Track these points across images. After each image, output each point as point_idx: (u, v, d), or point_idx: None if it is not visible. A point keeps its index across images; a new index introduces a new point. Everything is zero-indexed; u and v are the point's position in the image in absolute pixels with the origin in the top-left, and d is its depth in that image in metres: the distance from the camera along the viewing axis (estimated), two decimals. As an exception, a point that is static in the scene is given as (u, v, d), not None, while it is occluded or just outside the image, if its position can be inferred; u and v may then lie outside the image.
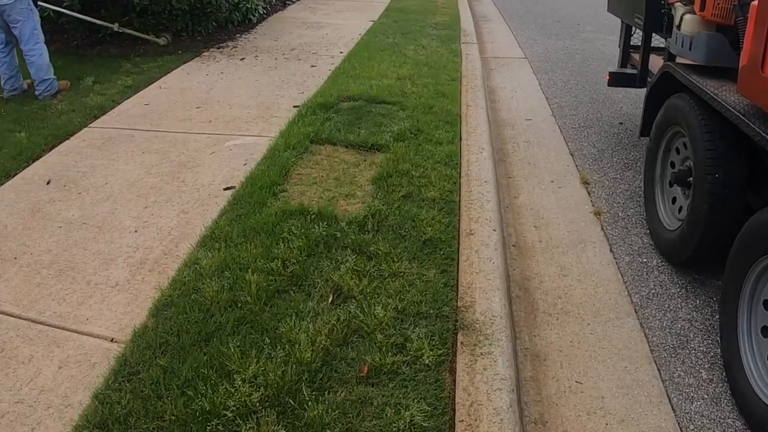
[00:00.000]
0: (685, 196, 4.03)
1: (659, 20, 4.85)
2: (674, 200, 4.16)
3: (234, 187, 4.46)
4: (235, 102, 6.32)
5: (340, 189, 4.38)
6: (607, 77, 5.86)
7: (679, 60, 4.32)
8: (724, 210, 3.51)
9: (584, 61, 9.04)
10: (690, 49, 3.97)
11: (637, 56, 5.77)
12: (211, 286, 3.32)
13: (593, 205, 4.82)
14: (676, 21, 4.24)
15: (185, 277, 3.44)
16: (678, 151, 4.13)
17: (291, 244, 3.68)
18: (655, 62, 5.48)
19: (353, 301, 3.24)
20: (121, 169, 4.83)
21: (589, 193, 5.00)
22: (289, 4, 12.15)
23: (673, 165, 4.21)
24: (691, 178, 3.88)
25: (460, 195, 4.32)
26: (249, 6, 9.61)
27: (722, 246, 3.61)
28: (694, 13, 4.01)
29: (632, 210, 4.75)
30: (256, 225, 3.87)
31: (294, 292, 3.32)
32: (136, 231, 4.03)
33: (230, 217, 4.02)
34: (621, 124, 6.52)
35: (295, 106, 6.07)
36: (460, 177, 4.57)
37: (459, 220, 4.04)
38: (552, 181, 5.18)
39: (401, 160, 4.71)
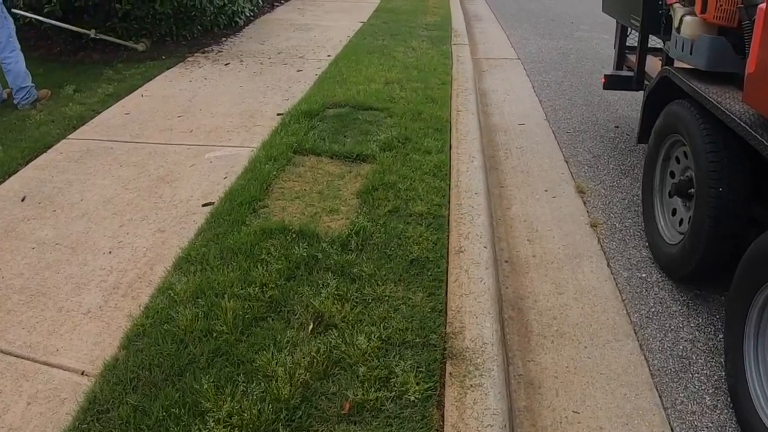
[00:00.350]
0: (686, 207, 3.84)
1: (657, 21, 4.64)
2: (674, 212, 3.97)
3: (213, 202, 4.26)
4: (218, 110, 6.11)
5: (323, 204, 4.18)
6: (603, 80, 5.66)
7: (678, 64, 4.12)
8: (728, 225, 3.33)
9: (579, 62, 8.84)
10: (690, 54, 3.76)
11: (633, 58, 5.58)
12: (185, 314, 3.13)
13: (589, 216, 4.62)
14: (676, 23, 4.03)
15: (158, 305, 3.24)
16: (678, 161, 3.94)
17: (270, 266, 3.48)
18: (652, 64, 5.29)
19: (335, 329, 3.05)
20: (98, 185, 4.63)
21: (584, 203, 4.81)
22: (277, 6, 11.91)
23: (672, 175, 4.02)
24: (692, 190, 3.69)
25: (449, 209, 4.13)
26: (235, 9, 9.37)
27: (726, 262, 3.45)
28: (695, 14, 3.80)
29: (630, 221, 4.56)
30: (234, 245, 3.67)
31: (272, 320, 3.12)
32: (110, 252, 3.83)
33: (207, 236, 3.82)
34: (617, 127, 6.32)
35: (279, 114, 5.85)
36: (449, 189, 4.38)
37: (448, 236, 3.84)
38: (546, 191, 4.99)
39: (388, 172, 4.51)
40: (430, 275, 3.45)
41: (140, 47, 8.24)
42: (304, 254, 3.57)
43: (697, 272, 3.62)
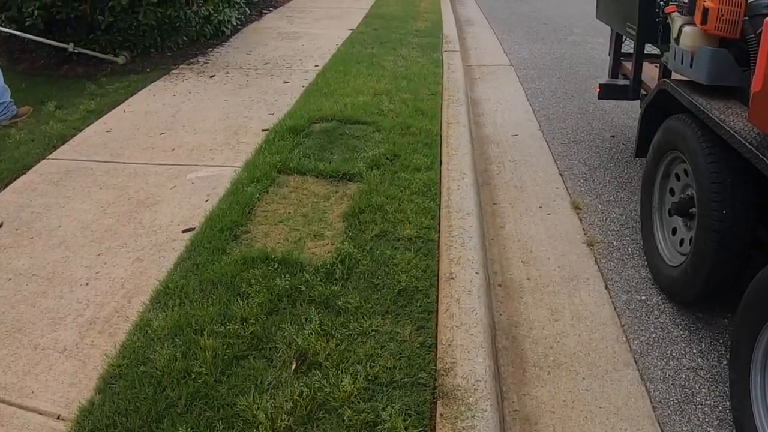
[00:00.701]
0: (687, 227, 3.68)
1: (654, 30, 4.43)
2: (674, 231, 3.81)
3: (193, 228, 4.09)
4: (201, 126, 5.92)
5: (308, 228, 4.00)
6: (598, 89, 5.49)
7: (676, 75, 3.94)
8: (733, 248, 3.17)
9: (572, 67, 8.68)
10: (691, 67, 3.57)
11: (629, 65, 5.41)
12: (163, 354, 2.95)
13: (586, 234, 4.46)
14: (674, 33, 3.84)
15: (135, 343, 3.07)
16: (678, 178, 3.78)
17: (251, 299, 3.31)
18: (649, 71, 5.12)
19: (319, 368, 2.88)
20: (77, 209, 4.46)
21: (580, 220, 4.64)
22: (266, 13, 11.71)
23: (672, 192, 3.85)
24: (693, 209, 3.53)
25: (439, 231, 3.95)
26: (221, 18, 9.17)
27: (730, 285, 3.30)
28: (694, 24, 3.62)
29: (628, 238, 4.40)
30: (213, 277, 3.50)
31: (254, 359, 2.95)
32: (87, 284, 3.66)
33: (187, 266, 3.64)
34: (613, 137, 6.16)
35: (264, 130, 5.67)
36: (439, 209, 4.20)
37: (438, 262, 3.66)
38: (540, 207, 4.82)
39: (375, 192, 4.33)
40: (419, 306, 3.28)
41: (120, 60, 8.04)
42: (287, 286, 3.39)
43: (699, 296, 3.47)
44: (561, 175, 5.36)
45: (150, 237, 4.08)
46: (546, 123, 6.56)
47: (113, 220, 4.31)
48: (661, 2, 4.19)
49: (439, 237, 3.89)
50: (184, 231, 4.10)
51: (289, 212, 4.19)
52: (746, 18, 3.23)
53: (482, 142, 6.05)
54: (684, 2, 3.70)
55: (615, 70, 5.69)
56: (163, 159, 5.21)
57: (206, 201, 4.44)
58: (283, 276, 3.47)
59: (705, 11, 3.40)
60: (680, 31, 3.72)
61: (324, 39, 9.52)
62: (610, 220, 4.63)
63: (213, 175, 4.87)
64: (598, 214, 4.72)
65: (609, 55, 5.83)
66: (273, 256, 3.64)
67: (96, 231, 4.18)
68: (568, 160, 5.64)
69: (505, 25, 11.84)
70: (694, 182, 3.41)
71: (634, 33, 4.67)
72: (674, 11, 3.90)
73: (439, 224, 4.04)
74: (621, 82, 5.52)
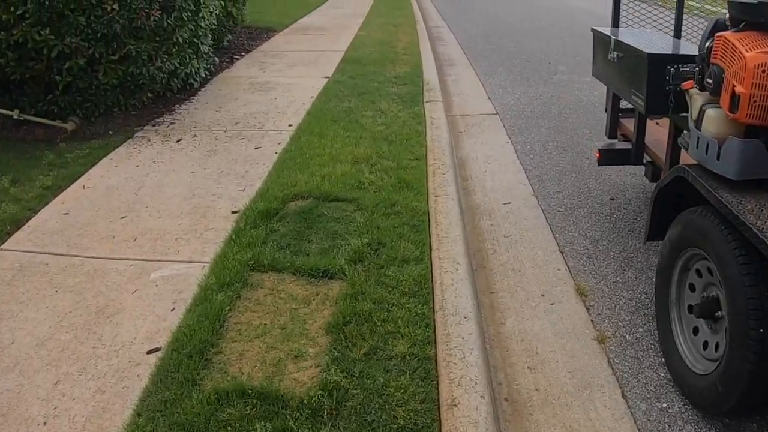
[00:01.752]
0: (711, 330, 3.28)
1: (664, 102, 3.93)
2: (696, 330, 3.40)
3: (159, 348, 3.61)
4: (166, 207, 5.41)
5: (287, 345, 3.53)
6: (597, 155, 5.10)
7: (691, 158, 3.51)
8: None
9: (561, 114, 8.30)
10: (717, 159, 3.15)
11: (628, 124, 5.02)
12: None
13: (595, 328, 4.02)
14: (693, 114, 3.40)
15: None
16: (699, 274, 3.37)
17: (228, 452, 2.85)
18: (653, 131, 4.74)
19: None
20: (30, 319, 3.96)
21: (587, 309, 4.20)
22: (237, 59, 11.22)
23: (692, 288, 3.44)
24: (719, 313, 3.13)
25: (435, 344, 3.50)
26: (188, 71, 8.69)
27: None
28: (718, 105, 3.20)
29: (641, 329, 3.98)
30: (184, 420, 2.99)
31: None
32: (45, 423, 3.16)
33: (154, 404, 3.15)
34: (612, 200, 5.75)
35: (234, 212, 5.18)
36: (434, 313, 3.76)
37: (437, 385, 3.22)
38: (543, 295, 4.38)
39: (360, 296, 3.87)
40: (421, 451, 2.85)
41: (69, 126, 7.42)
42: (267, 434, 2.93)
43: (731, 413, 3.09)
44: (561, 252, 4.92)
45: (111, 359, 3.60)
46: (539, 186, 6.14)
47: (70, 335, 3.82)
48: (671, 69, 3.76)
49: (436, 353, 3.44)
50: (148, 352, 3.63)
51: (265, 323, 3.73)
52: None
53: (473, 212, 5.62)
54: (708, 82, 3.25)
55: (612, 128, 5.29)
56: (124, 251, 4.72)
57: (172, 310, 3.96)
58: (263, 419, 2.99)
59: (733, 98, 2.98)
60: (701, 112, 3.29)
61: (298, 90, 9.05)
62: (620, 307, 4.21)
63: (179, 274, 4.38)
64: (605, 300, 4.29)
65: (605, 110, 5.44)
66: (250, 389, 3.16)
67: (52, 350, 3.69)
68: (567, 233, 5.22)
69: (487, 64, 11.49)
70: (723, 290, 3.01)
71: (642, 103, 4.16)
72: (692, 87, 3.47)
73: (435, 332, 3.60)
74: (621, 145, 5.12)
